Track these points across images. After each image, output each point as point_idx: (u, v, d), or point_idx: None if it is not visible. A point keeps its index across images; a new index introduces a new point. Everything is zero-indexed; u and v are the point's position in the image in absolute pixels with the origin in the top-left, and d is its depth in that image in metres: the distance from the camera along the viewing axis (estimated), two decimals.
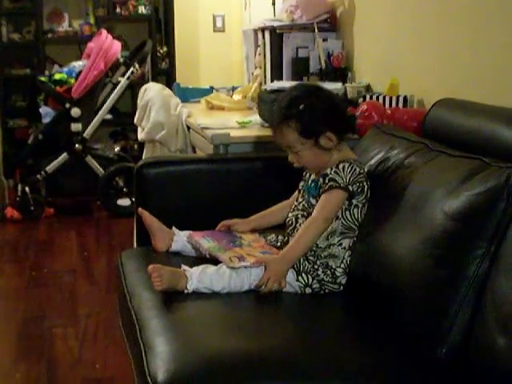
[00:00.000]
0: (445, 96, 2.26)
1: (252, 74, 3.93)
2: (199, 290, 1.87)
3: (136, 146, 5.63)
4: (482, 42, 2.31)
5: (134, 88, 5.31)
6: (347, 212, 1.99)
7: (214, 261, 1.98)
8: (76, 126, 4.87)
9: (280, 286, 1.91)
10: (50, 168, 4.88)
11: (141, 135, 3.82)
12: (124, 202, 4.92)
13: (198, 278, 1.87)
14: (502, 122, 1.85)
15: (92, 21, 5.69)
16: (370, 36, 3.21)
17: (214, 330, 1.72)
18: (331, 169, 1.99)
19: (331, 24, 3.51)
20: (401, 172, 1.97)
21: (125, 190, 4.94)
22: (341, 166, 1.98)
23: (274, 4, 4.17)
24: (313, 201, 2.04)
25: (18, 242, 4.45)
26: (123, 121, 5.62)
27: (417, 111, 2.52)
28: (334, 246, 1.99)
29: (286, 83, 3.13)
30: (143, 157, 3.83)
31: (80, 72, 4.83)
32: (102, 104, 4.97)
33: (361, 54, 3.31)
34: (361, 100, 2.83)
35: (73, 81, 4.85)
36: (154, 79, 5.56)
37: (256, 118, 3.06)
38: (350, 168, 1.98)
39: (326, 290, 1.96)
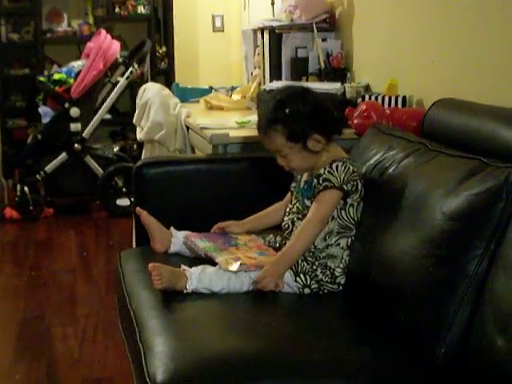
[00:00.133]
0: (444, 96, 2.26)
1: (251, 74, 3.93)
2: (198, 290, 1.88)
3: (135, 146, 5.63)
4: (481, 42, 2.31)
5: (133, 88, 5.31)
6: (343, 211, 1.99)
7: (212, 261, 1.98)
8: (75, 126, 4.87)
9: (277, 288, 1.91)
10: (49, 168, 4.88)
11: (140, 135, 3.82)
12: (123, 201, 4.92)
13: (197, 278, 1.87)
14: (501, 122, 1.85)
15: (91, 21, 5.69)
16: (369, 36, 3.21)
17: (213, 330, 1.72)
18: (324, 169, 1.98)
19: (330, 24, 3.51)
20: (399, 172, 1.97)
21: (124, 189, 4.94)
22: (334, 166, 1.98)
23: (273, 4, 4.17)
24: (307, 202, 2.03)
25: (18, 242, 4.45)
26: (122, 121, 5.62)
27: (416, 111, 2.52)
28: (332, 247, 1.98)
29: (285, 83, 3.13)
30: (142, 157, 3.83)
31: (79, 72, 4.84)
32: (101, 104, 4.97)
33: (360, 54, 3.31)
34: (360, 100, 2.83)
35: (72, 81, 4.85)
36: (153, 79, 5.55)
37: (255, 118, 3.04)
38: (343, 167, 1.98)
39: (325, 291, 1.96)
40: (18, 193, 4.81)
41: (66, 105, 4.83)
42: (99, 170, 4.94)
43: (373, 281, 1.86)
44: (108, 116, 5.27)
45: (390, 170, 2.01)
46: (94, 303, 3.40)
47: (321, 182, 1.97)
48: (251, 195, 2.41)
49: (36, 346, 2.94)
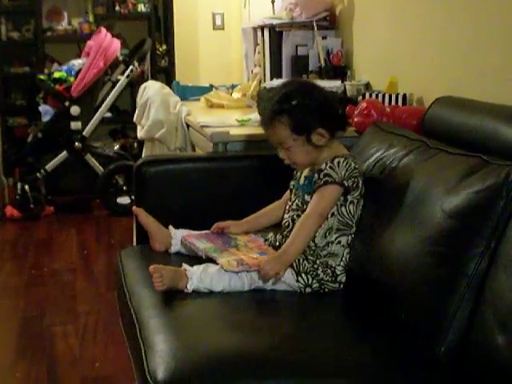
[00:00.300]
0: (444, 94, 2.26)
1: (251, 72, 3.93)
2: (199, 290, 1.88)
3: (135, 144, 5.63)
4: (481, 40, 2.31)
5: (133, 86, 5.31)
6: (343, 208, 1.99)
7: (214, 260, 1.98)
8: (75, 125, 4.87)
9: (277, 276, 1.89)
10: (49, 166, 4.88)
11: (140, 133, 3.82)
12: (123, 200, 4.92)
13: (198, 278, 1.87)
14: (502, 119, 1.85)
15: (91, 19, 5.68)
16: (370, 34, 3.21)
17: (213, 329, 1.72)
18: (326, 164, 1.98)
19: (330, 22, 3.51)
20: (400, 170, 1.97)
21: (124, 188, 4.94)
22: (336, 162, 1.98)
23: (273, 2, 4.17)
24: (307, 198, 2.02)
25: (18, 241, 4.45)
26: (123, 119, 5.62)
27: (416, 109, 2.52)
28: (333, 244, 1.98)
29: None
30: (143, 155, 3.83)
31: (79, 70, 4.83)
32: (102, 102, 4.97)
33: (360, 52, 3.31)
34: (360, 98, 2.83)
35: (72, 79, 4.85)
36: (154, 77, 5.53)
37: (255, 116, 3.05)
38: (345, 163, 1.97)
39: (326, 290, 1.96)
40: (19, 191, 4.81)
41: (67, 103, 4.83)
42: (100, 169, 4.94)
43: (373, 279, 1.86)
44: (108, 114, 5.28)
45: (390, 168, 2.01)
46: (95, 301, 3.40)
47: (321, 177, 1.97)
48: (252, 193, 2.41)
49: (36, 345, 2.94)
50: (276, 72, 3.49)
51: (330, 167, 1.97)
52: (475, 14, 2.34)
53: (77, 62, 4.94)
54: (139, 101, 3.82)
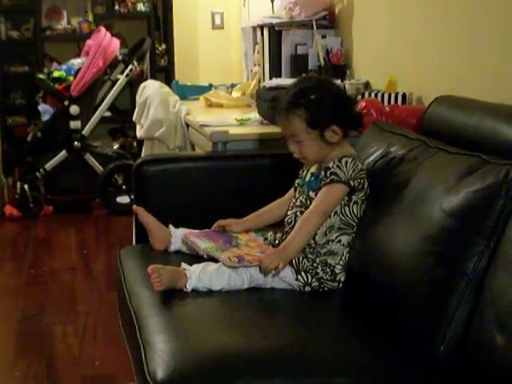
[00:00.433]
0: (444, 93, 2.25)
1: (251, 71, 3.93)
2: (198, 289, 1.88)
3: (135, 144, 5.62)
4: (480, 39, 2.31)
5: (132, 85, 5.30)
6: (346, 208, 1.99)
7: (214, 259, 1.98)
8: (75, 124, 4.88)
9: (276, 269, 1.88)
10: (49, 166, 4.88)
11: (139, 133, 3.82)
12: (123, 199, 4.92)
13: (197, 277, 1.87)
14: (501, 119, 1.84)
15: (91, 18, 5.68)
16: (369, 33, 3.21)
17: (213, 328, 1.72)
18: (333, 162, 1.99)
19: (330, 21, 3.50)
20: (399, 169, 1.96)
21: (124, 187, 4.94)
22: (343, 161, 1.98)
23: (272, 1, 4.16)
24: (312, 194, 2.03)
25: (17, 240, 4.46)
26: (122, 118, 5.61)
27: (415, 108, 2.51)
28: (333, 243, 1.98)
29: (285, 80, 3.13)
30: (142, 154, 3.83)
31: (79, 69, 4.83)
32: (101, 101, 4.97)
33: (359, 51, 3.31)
34: (359, 97, 2.83)
35: (71, 78, 4.85)
36: (153, 77, 5.54)
37: (255, 115, 3.06)
38: (352, 163, 1.98)
39: (325, 289, 1.96)
40: (18, 190, 4.81)
41: (66, 102, 4.83)
42: (99, 168, 4.94)
43: (372, 278, 1.86)
44: (108, 113, 5.28)
45: (390, 167, 2.01)
46: (94, 301, 3.40)
47: (328, 175, 1.97)
48: (251, 192, 2.41)
49: (36, 344, 2.94)
50: (275, 71, 3.48)
51: (338, 166, 1.97)
52: (475, 13, 2.34)
53: (76, 62, 4.94)
54: (138, 100, 3.83)
